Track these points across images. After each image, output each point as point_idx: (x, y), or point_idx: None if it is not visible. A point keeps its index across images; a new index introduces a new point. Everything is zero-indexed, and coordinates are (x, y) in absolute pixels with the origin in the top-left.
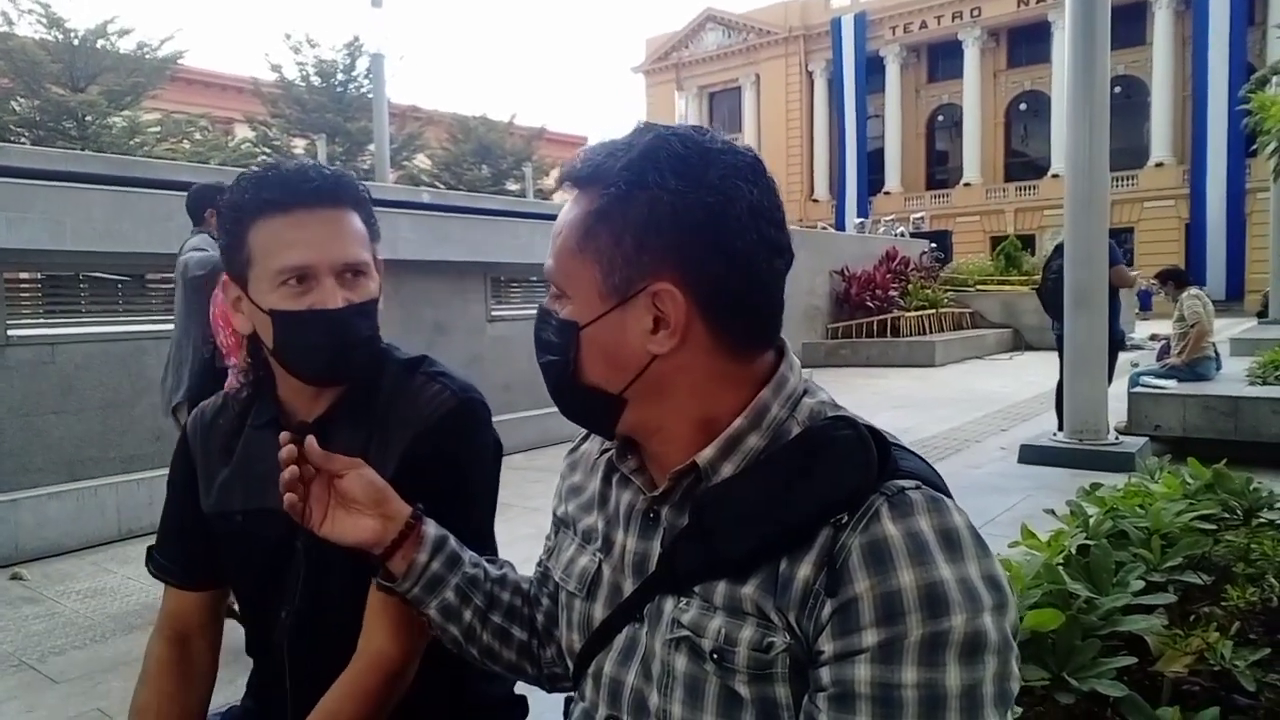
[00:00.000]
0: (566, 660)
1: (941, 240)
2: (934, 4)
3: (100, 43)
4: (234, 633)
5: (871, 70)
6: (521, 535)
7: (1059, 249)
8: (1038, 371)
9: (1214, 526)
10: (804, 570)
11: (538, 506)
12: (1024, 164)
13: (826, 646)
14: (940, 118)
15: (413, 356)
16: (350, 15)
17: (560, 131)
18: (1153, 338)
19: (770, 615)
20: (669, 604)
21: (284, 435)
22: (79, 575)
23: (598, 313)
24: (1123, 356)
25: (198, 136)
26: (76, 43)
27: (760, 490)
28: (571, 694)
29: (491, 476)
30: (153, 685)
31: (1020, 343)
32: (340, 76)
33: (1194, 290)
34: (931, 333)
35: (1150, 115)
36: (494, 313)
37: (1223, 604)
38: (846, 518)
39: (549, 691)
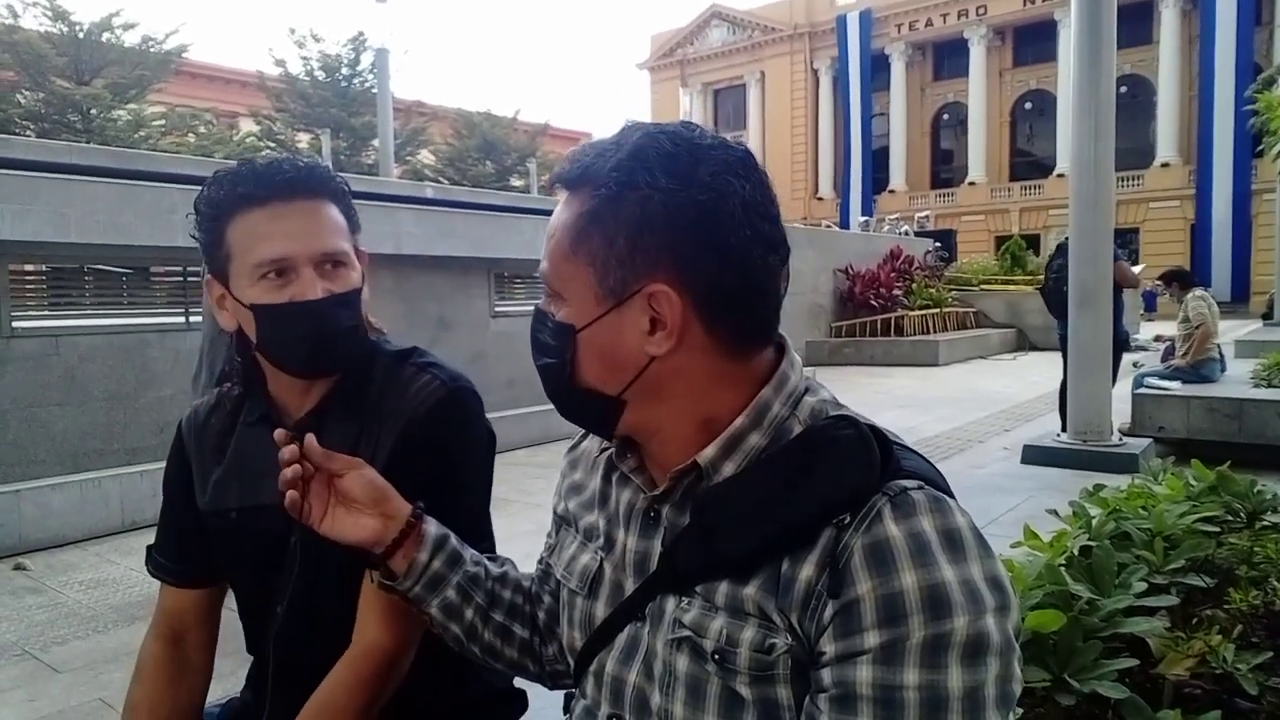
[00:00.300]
0: (568, 657)
1: (946, 239)
2: (939, 2)
3: (105, 36)
4: (240, 627)
5: (876, 68)
6: (523, 531)
7: (1061, 248)
8: (1042, 372)
9: (1217, 529)
10: (806, 571)
11: (539, 502)
12: (1029, 163)
13: (828, 648)
14: (945, 116)
15: (403, 348)
16: (355, 10)
17: (565, 127)
18: (1157, 339)
19: (772, 616)
20: (670, 603)
21: (281, 434)
22: (82, 566)
23: (594, 315)
24: (1126, 357)
25: (202, 130)
26: (81, 36)
27: (761, 490)
28: (573, 690)
29: (483, 466)
30: (146, 682)
31: (1024, 343)
32: (345, 71)
33: (1199, 291)
34: (935, 332)
35: (1156, 115)
36: (498, 308)
37: (1225, 607)
38: (849, 518)
39: (550, 689)
